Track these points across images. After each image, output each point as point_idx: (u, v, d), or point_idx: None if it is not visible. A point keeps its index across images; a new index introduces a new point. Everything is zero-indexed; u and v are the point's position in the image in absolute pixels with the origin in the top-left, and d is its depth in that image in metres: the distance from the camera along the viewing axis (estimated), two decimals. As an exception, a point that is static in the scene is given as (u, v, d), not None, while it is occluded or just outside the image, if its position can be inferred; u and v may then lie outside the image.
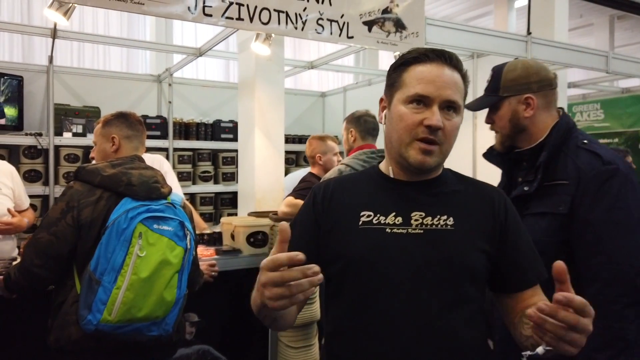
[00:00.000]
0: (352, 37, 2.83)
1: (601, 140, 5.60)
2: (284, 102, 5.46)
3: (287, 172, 4.01)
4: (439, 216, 1.10)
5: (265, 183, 3.32)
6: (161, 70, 4.87)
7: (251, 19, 2.52)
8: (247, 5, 2.50)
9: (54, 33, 3.45)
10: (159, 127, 4.49)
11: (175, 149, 4.57)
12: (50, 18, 2.28)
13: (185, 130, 4.67)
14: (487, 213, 1.14)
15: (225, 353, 2.54)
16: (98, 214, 1.69)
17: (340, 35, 2.78)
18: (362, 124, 2.60)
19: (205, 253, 2.51)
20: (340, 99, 5.58)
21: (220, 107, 4.95)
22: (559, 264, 0.84)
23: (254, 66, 3.15)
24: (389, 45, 2.97)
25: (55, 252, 1.68)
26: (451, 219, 1.10)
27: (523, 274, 1.13)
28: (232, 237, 2.69)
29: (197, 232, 2.75)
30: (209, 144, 4.72)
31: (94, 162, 1.98)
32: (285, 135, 4.95)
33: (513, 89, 1.65)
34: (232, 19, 2.47)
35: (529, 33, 3.53)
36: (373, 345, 1.05)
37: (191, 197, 4.74)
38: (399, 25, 2.98)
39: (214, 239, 2.80)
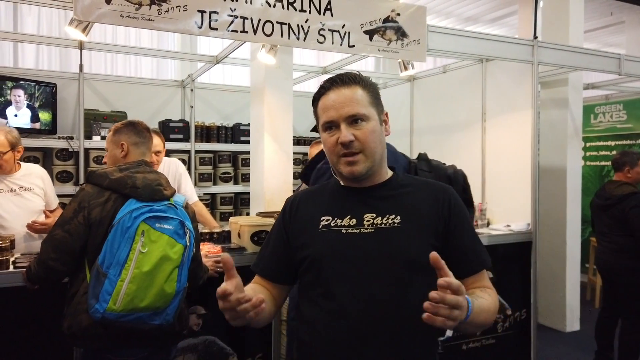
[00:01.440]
0: (353, 46, 2.96)
1: (623, 142, 5.51)
2: (300, 106, 5.64)
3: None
4: (387, 216, 1.25)
5: (274, 184, 3.49)
6: (185, 77, 5.12)
7: (255, 31, 2.69)
8: (251, 19, 2.67)
9: (81, 45, 3.73)
10: (181, 130, 4.73)
11: (197, 151, 4.80)
12: (70, 34, 2.50)
13: (207, 133, 4.90)
14: (432, 210, 1.27)
15: (230, 343, 2.72)
16: (106, 214, 1.88)
17: (341, 44, 2.92)
18: None
19: (212, 250, 2.68)
20: (357, 102, 5.70)
21: (240, 111, 5.16)
22: (433, 255, 0.98)
23: (263, 73, 3.33)
24: (390, 52, 3.08)
25: (69, 248, 1.88)
26: (398, 217, 1.25)
27: (467, 263, 1.27)
28: (239, 235, 2.86)
29: (207, 230, 2.95)
30: (229, 147, 4.94)
31: (104, 166, 2.18)
32: (304, 138, 5.13)
33: None
34: (236, 31, 2.65)
35: (535, 37, 3.56)
36: (334, 329, 1.21)
37: (212, 197, 4.96)
38: (401, 33, 3.09)
39: (223, 237, 2.98)
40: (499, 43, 3.49)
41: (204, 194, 4.81)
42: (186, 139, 4.73)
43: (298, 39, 2.79)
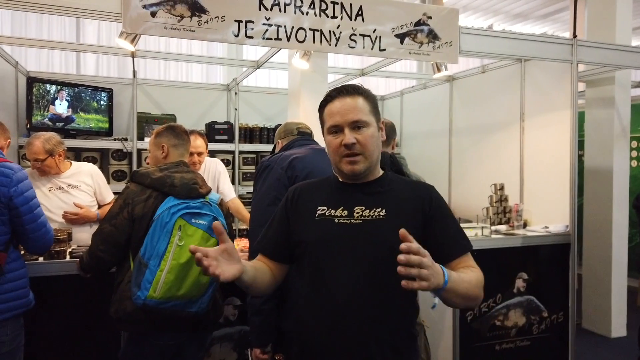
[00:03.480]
0: (384, 50, 3.04)
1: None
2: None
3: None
4: (374, 209, 1.43)
5: (310, 183, 3.61)
6: (230, 81, 5.35)
7: (288, 38, 2.83)
8: (285, 26, 2.81)
9: (133, 54, 4.01)
10: (226, 131, 4.95)
11: (240, 152, 5.02)
12: (120, 45, 2.74)
13: (250, 134, 5.10)
14: (414, 205, 1.45)
15: (264, 334, 2.86)
16: (148, 210, 2.07)
17: (372, 48, 3.01)
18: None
19: (248, 245, 2.84)
20: (397, 103, 5.75)
21: (282, 112, 5.33)
22: (402, 230, 1.13)
23: (299, 77, 3.46)
24: (421, 55, 3.14)
25: (115, 240, 2.09)
26: (384, 210, 1.42)
27: (450, 248, 1.43)
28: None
29: (244, 226, 3.12)
30: (271, 147, 5.10)
31: (147, 166, 2.38)
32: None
33: None
34: (271, 39, 2.80)
35: (574, 36, 3.50)
36: (322, 304, 1.40)
37: (254, 195, 5.16)
38: (432, 36, 3.14)
39: (259, 234, 3.13)
40: (537, 43, 3.46)
41: (247, 192, 5.01)
42: (230, 140, 4.95)
43: (330, 44, 2.91)
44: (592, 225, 4.51)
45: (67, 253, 2.60)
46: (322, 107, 1.48)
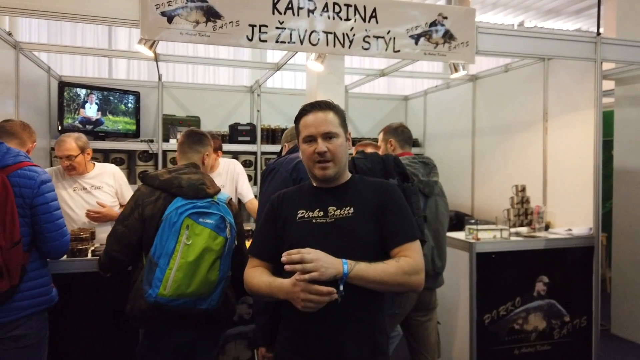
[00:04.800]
0: (398, 51, 3.04)
1: None
2: (369, 107, 5.76)
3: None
4: (344, 208, 1.64)
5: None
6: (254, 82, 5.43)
7: (301, 42, 2.86)
8: (298, 30, 2.85)
9: (156, 58, 4.13)
10: (248, 133, 5.04)
11: (262, 153, 5.09)
12: (139, 50, 2.83)
13: (272, 135, 5.17)
14: (375, 201, 1.66)
15: (278, 333, 2.91)
16: (157, 210, 2.14)
17: (386, 50, 3.01)
18: (400, 134, 2.82)
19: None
20: (421, 102, 5.70)
21: (304, 113, 5.37)
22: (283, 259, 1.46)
23: (316, 79, 3.49)
24: (437, 56, 3.12)
25: (128, 240, 2.17)
26: (352, 209, 1.64)
27: (393, 238, 1.62)
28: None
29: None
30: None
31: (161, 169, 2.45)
32: (371, 138, 5.22)
33: None
34: (284, 42, 2.84)
35: (598, 34, 3.41)
36: None
37: (277, 195, 5.22)
38: (448, 37, 3.12)
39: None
40: (558, 41, 3.38)
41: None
42: (253, 141, 5.03)
43: (343, 46, 2.93)
44: (622, 227, 4.37)
45: (89, 251, 2.71)
46: (297, 120, 1.69)
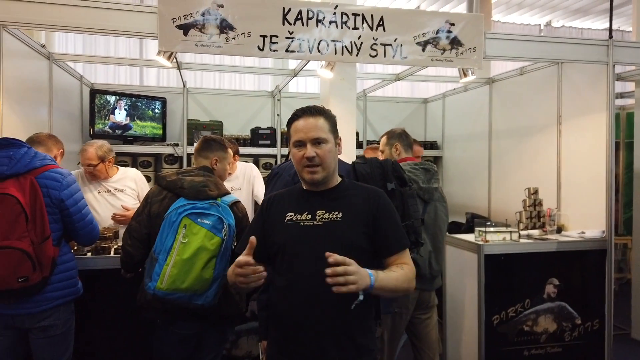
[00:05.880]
0: (405, 58, 3.13)
1: None
2: (388, 110, 5.83)
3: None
4: (333, 212, 1.68)
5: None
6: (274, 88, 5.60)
7: (310, 51, 2.99)
8: (307, 40, 2.98)
9: (179, 66, 4.35)
10: (269, 136, 5.20)
11: (282, 156, 5.24)
12: (158, 61, 3.02)
13: (292, 138, 5.31)
14: (364, 207, 1.70)
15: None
16: (162, 209, 2.31)
17: (393, 56, 3.11)
18: (404, 139, 2.92)
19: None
20: (440, 105, 5.75)
21: (323, 117, 5.50)
22: (327, 253, 1.40)
23: (328, 85, 3.61)
24: (444, 62, 3.19)
25: (138, 234, 2.35)
26: (340, 213, 1.68)
27: (388, 246, 1.69)
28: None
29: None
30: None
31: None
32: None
33: None
34: (294, 51, 2.97)
35: (610, 37, 3.40)
36: (294, 295, 1.64)
37: (297, 197, 5.37)
38: (455, 43, 3.19)
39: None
40: (569, 45, 3.40)
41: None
42: (273, 144, 5.19)
43: (351, 54, 3.04)
44: (642, 231, 4.32)
45: (112, 250, 2.91)
46: (289, 124, 1.73)
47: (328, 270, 1.36)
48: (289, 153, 2.66)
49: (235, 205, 2.43)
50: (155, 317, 2.35)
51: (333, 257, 1.36)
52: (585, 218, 3.72)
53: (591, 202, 3.63)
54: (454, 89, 5.38)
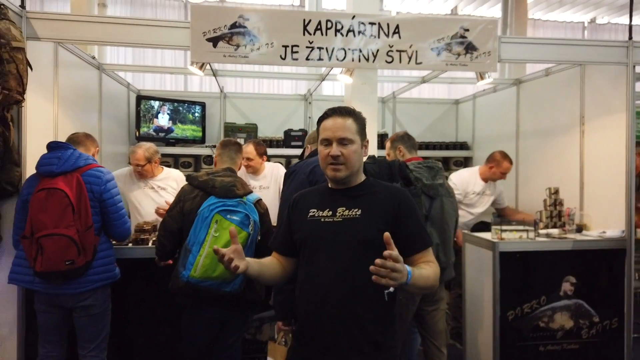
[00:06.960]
0: (420, 63, 3.29)
1: None
2: (419, 112, 5.95)
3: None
4: (352, 209, 1.76)
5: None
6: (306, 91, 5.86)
7: (329, 58, 3.21)
8: (326, 48, 3.19)
9: (214, 73, 4.68)
10: (300, 138, 5.44)
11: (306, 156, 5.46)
12: (192, 71, 3.33)
13: (323, 140, 5.53)
14: (385, 206, 1.76)
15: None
16: (195, 206, 2.59)
17: (409, 62, 3.27)
18: (407, 140, 3.10)
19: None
20: (470, 106, 5.81)
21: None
22: (386, 234, 1.47)
23: (350, 89, 3.80)
24: (458, 66, 3.33)
25: (170, 228, 2.64)
26: (360, 210, 1.75)
27: (413, 244, 1.75)
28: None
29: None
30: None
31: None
32: (420, 142, 5.43)
33: None
34: (313, 59, 3.20)
35: (630, 38, 3.42)
36: (311, 288, 1.76)
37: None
38: (470, 48, 3.31)
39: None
40: (587, 47, 3.45)
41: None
42: (304, 145, 5.42)
43: (367, 61, 3.23)
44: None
45: (150, 241, 3.23)
46: (319, 122, 1.83)
47: (378, 261, 1.41)
48: (303, 152, 2.89)
49: (258, 203, 2.70)
50: (185, 302, 2.63)
51: (389, 252, 1.44)
52: (607, 218, 3.74)
53: (613, 202, 3.65)
54: (484, 90, 5.44)
